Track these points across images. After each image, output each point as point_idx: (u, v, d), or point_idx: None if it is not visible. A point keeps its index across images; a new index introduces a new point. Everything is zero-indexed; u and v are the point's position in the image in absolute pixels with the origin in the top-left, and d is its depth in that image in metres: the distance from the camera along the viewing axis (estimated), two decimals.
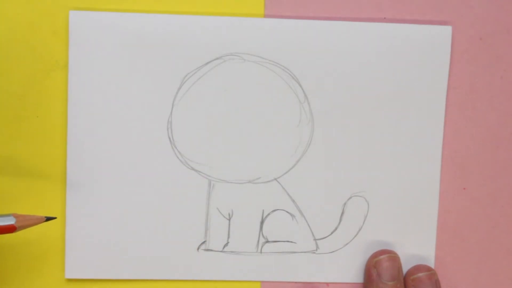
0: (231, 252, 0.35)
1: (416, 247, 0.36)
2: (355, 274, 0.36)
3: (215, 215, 0.35)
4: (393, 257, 0.35)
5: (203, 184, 0.35)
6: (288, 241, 0.35)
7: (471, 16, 0.35)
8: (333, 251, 0.35)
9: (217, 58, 0.34)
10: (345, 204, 0.35)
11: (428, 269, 0.35)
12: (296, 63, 0.35)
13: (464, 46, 0.35)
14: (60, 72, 0.34)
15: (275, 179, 0.35)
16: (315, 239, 0.35)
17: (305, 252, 0.35)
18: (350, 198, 0.35)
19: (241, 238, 0.35)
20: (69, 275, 0.35)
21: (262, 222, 0.35)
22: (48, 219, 0.32)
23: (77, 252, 0.35)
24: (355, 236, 0.35)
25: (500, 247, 0.36)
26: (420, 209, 0.35)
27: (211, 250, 0.35)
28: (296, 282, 0.36)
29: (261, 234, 0.35)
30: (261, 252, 0.35)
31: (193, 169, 0.35)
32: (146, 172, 0.34)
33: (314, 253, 0.35)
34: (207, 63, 0.34)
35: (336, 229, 0.35)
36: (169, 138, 0.34)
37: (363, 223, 0.35)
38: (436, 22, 0.35)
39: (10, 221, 0.30)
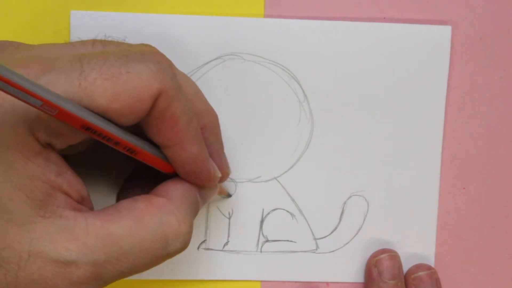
0: (231, 251, 0.35)
1: (416, 246, 0.35)
2: (355, 274, 0.36)
3: (215, 214, 0.35)
4: (394, 256, 0.35)
5: None
6: (288, 241, 0.35)
7: (471, 16, 0.35)
8: (333, 251, 0.35)
9: (217, 58, 0.34)
10: (345, 203, 0.35)
11: (428, 268, 0.35)
12: (296, 63, 0.35)
13: (463, 46, 0.35)
14: None
15: (275, 178, 0.35)
16: (315, 239, 0.35)
17: (305, 251, 0.35)
18: (350, 197, 0.35)
19: (241, 237, 0.35)
20: None
21: (262, 221, 0.35)
22: (228, 195, 0.35)
23: None
24: (355, 235, 0.35)
25: (500, 247, 0.36)
26: (420, 209, 0.35)
27: (211, 249, 0.35)
28: (296, 282, 0.36)
29: (261, 233, 0.35)
30: (261, 251, 0.35)
31: None
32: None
33: (314, 252, 0.35)
34: (207, 63, 0.34)
35: (336, 228, 0.35)
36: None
37: (363, 222, 0.35)
38: (435, 22, 0.35)
39: None
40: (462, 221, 0.36)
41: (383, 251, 0.35)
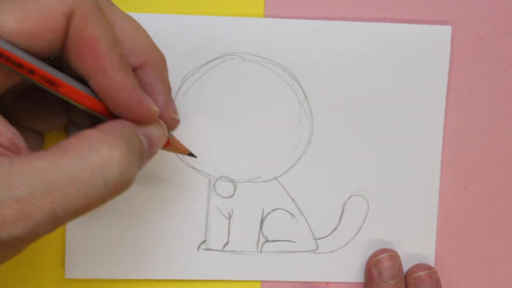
0: (231, 251, 0.35)
1: (416, 246, 0.35)
2: (355, 274, 0.36)
3: (215, 214, 0.35)
4: (394, 256, 0.35)
5: (203, 183, 0.35)
6: (288, 241, 0.35)
7: (471, 16, 0.35)
8: (333, 251, 0.35)
9: (217, 58, 0.34)
10: (345, 203, 0.35)
11: (428, 267, 0.35)
12: (296, 63, 0.35)
13: (463, 46, 0.35)
14: None
15: (275, 178, 0.35)
16: (315, 239, 0.35)
17: (305, 251, 0.35)
18: (350, 197, 0.35)
19: (241, 238, 0.35)
20: (69, 275, 0.35)
21: (262, 222, 0.35)
22: (191, 154, 0.32)
23: (77, 252, 0.35)
24: (355, 235, 0.35)
25: (500, 247, 0.36)
26: (420, 209, 0.35)
27: (211, 249, 0.35)
28: (296, 282, 0.36)
29: (261, 233, 0.35)
30: (261, 252, 0.35)
31: (193, 168, 0.35)
32: (146, 171, 0.34)
33: (314, 252, 0.35)
34: (207, 63, 0.34)
35: (336, 228, 0.35)
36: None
37: (363, 222, 0.35)
38: (436, 22, 0.35)
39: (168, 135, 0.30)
40: (462, 221, 0.36)
41: (383, 251, 0.35)
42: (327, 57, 0.35)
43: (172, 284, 0.35)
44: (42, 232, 0.23)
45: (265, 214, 0.35)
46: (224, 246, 0.35)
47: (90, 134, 0.24)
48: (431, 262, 0.36)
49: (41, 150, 0.24)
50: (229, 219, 0.35)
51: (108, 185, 0.24)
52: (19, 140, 0.24)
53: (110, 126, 0.25)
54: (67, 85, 0.25)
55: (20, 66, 0.24)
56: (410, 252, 0.35)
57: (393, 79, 0.35)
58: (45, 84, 0.25)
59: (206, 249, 0.35)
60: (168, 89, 0.29)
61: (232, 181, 0.35)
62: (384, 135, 0.35)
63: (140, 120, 0.27)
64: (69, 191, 0.23)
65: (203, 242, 0.35)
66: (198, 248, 0.35)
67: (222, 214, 0.35)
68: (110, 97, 0.26)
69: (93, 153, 0.24)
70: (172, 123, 0.29)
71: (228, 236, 0.35)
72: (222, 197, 0.35)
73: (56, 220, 0.23)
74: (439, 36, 0.35)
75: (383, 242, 0.35)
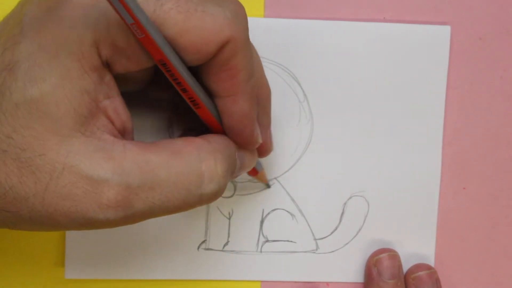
0: (231, 251, 0.35)
1: (416, 247, 0.35)
2: (355, 274, 0.36)
3: (215, 214, 0.35)
4: (394, 256, 0.35)
5: None
6: (288, 241, 0.35)
7: (470, 16, 0.35)
8: (333, 251, 0.35)
9: None
10: (345, 204, 0.35)
11: (428, 267, 0.35)
12: (296, 63, 0.35)
13: (463, 46, 0.35)
14: None
15: (275, 178, 0.35)
16: (315, 239, 0.35)
17: (305, 251, 0.35)
18: (350, 198, 0.35)
19: (241, 238, 0.35)
20: (69, 275, 0.35)
21: (262, 222, 0.35)
22: (267, 185, 0.35)
23: (77, 252, 0.35)
24: (355, 235, 0.35)
25: (500, 247, 0.36)
26: (420, 208, 0.35)
27: (211, 249, 0.35)
28: (296, 282, 0.36)
29: (261, 233, 0.35)
30: (261, 252, 0.35)
31: None
32: None
33: (314, 252, 0.35)
34: None
35: (336, 228, 0.35)
36: (170, 137, 0.34)
37: (363, 222, 0.35)
38: (435, 22, 0.35)
39: (259, 167, 0.33)
40: (462, 221, 0.36)
41: (383, 250, 0.35)
42: (327, 57, 0.35)
43: (172, 284, 0.35)
44: (130, 222, 0.24)
45: (265, 214, 0.35)
46: (224, 246, 0.35)
47: (200, 143, 0.26)
48: (431, 262, 0.36)
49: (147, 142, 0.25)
50: (229, 219, 0.35)
51: (203, 196, 0.25)
52: (129, 124, 0.25)
53: (217, 141, 0.27)
54: (205, 108, 0.26)
55: (179, 83, 0.25)
56: (410, 252, 0.35)
57: (393, 79, 0.35)
58: (189, 101, 0.26)
59: (206, 249, 0.35)
60: (270, 123, 0.31)
61: (232, 181, 0.35)
62: (384, 135, 0.35)
63: (242, 145, 0.28)
64: (172, 192, 0.24)
65: (203, 242, 0.35)
66: (198, 248, 0.35)
67: (222, 214, 0.35)
68: (229, 120, 0.27)
69: (202, 163, 0.25)
70: (266, 152, 0.31)
71: (228, 236, 0.35)
72: (222, 197, 0.35)
73: (149, 215, 0.24)
74: (438, 36, 0.35)
75: (383, 242, 0.35)
